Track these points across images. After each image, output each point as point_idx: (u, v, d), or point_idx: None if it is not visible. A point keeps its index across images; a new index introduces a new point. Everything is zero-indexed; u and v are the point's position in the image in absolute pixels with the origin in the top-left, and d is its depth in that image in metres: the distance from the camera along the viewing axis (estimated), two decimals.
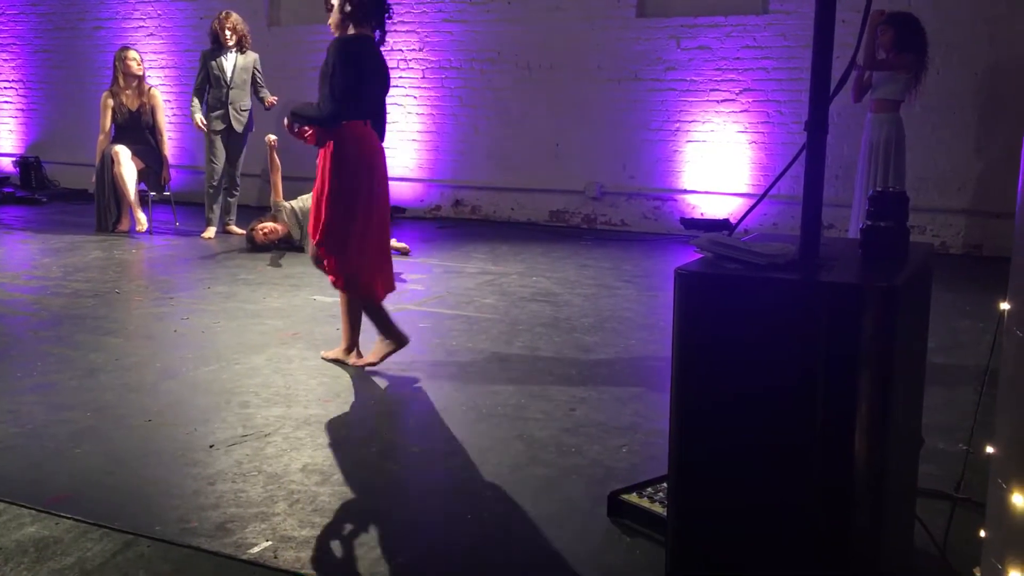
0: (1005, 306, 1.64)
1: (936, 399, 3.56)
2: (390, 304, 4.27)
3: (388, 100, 10.22)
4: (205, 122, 7.76)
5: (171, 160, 8.45)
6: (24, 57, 11.21)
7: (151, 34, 10.35)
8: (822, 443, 1.92)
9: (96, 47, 10.60)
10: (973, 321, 5.06)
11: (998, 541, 1.64)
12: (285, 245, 7.16)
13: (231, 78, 7.73)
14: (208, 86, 7.77)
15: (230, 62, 7.74)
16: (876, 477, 1.92)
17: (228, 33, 7.68)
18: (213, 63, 7.73)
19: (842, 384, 1.89)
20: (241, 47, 7.77)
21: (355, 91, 4.00)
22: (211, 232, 7.84)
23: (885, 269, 2.06)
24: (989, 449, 1.71)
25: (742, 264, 2.06)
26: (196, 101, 7.83)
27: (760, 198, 2.59)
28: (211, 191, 7.88)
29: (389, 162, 10.20)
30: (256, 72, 7.86)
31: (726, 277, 2.04)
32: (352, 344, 4.24)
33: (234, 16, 7.76)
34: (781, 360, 1.96)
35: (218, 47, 7.74)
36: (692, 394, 2.08)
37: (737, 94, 7.96)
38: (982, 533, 1.76)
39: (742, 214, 2.57)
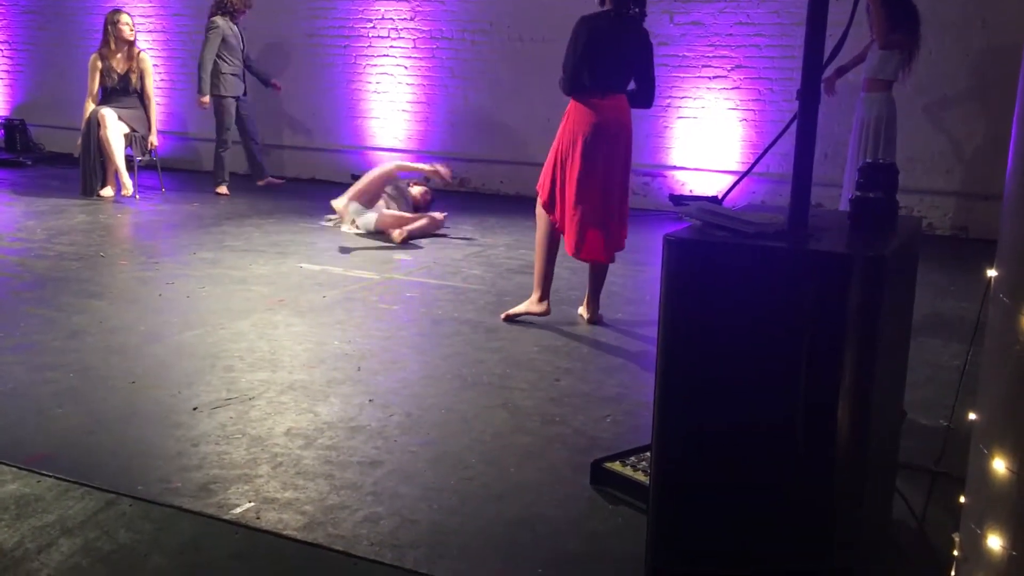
0: (992, 273, 1.65)
1: (918, 375, 3.58)
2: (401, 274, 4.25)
3: (378, 70, 9.97)
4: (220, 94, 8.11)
5: (158, 126, 8.38)
6: (10, 18, 11.05)
7: None
8: (806, 412, 1.92)
9: (84, 8, 10.44)
10: (957, 300, 5.09)
11: (978, 506, 1.66)
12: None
13: (244, 44, 8.20)
14: (225, 54, 8.06)
15: (237, 29, 8.17)
16: (859, 447, 1.92)
17: (242, 4, 8.13)
18: (230, 31, 8.08)
19: (828, 353, 1.89)
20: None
21: (575, 67, 4.25)
22: (224, 188, 8.23)
23: (873, 239, 2.06)
24: (972, 415, 1.72)
25: (731, 232, 2.06)
26: (208, 74, 8.06)
27: (750, 168, 2.59)
28: (225, 154, 8.23)
29: (380, 132, 9.94)
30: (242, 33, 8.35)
31: (714, 245, 2.04)
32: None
33: None
34: (768, 328, 1.96)
35: (231, 16, 8.10)
36: (677, 361, 2.08)
37: (729, 71, 7.93)
38: (962, 499, 1.78)
39: (731, 185, 2.56)
